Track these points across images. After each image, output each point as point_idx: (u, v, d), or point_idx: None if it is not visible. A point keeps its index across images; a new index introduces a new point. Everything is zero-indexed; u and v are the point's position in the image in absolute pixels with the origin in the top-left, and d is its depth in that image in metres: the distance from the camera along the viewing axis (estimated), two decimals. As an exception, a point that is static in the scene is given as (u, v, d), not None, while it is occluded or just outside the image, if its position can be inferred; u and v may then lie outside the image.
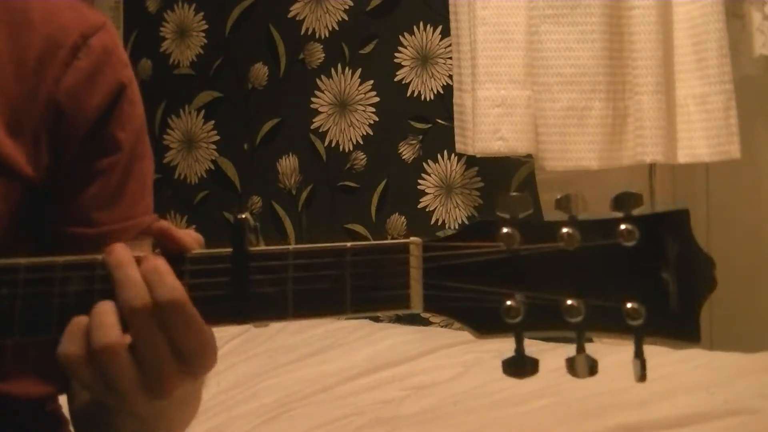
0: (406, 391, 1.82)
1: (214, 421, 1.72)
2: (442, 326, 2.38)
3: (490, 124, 2.08)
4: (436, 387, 1.81)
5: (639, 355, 0.62)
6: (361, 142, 2.58)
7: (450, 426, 1.61)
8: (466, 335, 2.14)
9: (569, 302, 0.63)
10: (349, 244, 0.68)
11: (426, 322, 2.40)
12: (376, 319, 2.45)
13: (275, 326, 2.24)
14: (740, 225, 2.27)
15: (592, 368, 0.63)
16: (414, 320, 2.38)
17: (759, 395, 1.55)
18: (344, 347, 2.09)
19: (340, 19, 2.60)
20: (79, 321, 0.68)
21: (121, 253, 0.69)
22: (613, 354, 1.65)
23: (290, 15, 2.68)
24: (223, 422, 1.72)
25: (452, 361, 1.94)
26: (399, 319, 2.46)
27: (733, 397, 1.55)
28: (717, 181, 2.28)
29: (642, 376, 0.62)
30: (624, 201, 0.63)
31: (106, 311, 0.68)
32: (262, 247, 0.69)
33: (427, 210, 2.46)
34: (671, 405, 1.54)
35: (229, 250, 0.69)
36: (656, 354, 1.86)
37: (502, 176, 2.32)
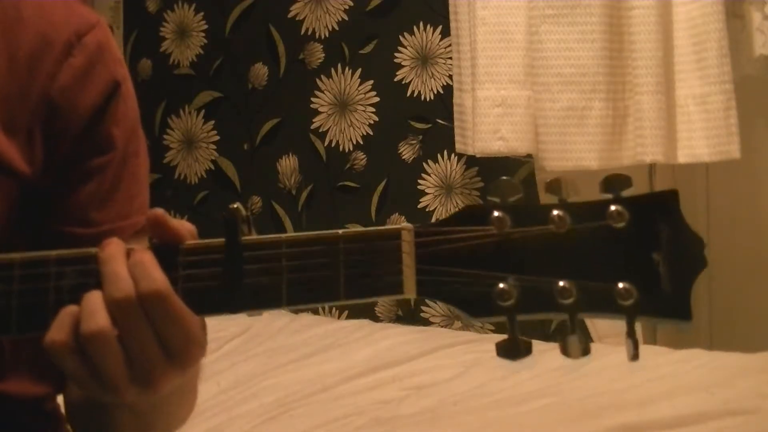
0: (406, 391, 1.81)
1: (214, 421, 1.72)
2: (442, 326, 2.38)
3: (490, 124, 2.08)
4: (436, 387, 1.81)
5: (631, 335, 0.62)
6: (361, 142, 2.58)
7: (450, 426, 1.60)
8: (466, 335, 2.14)
9: (561, 284, 0.63)
10: (341, 231, 0.67)
11: (426, 322, 2.41)
12: (376, 319, 2.45)
13: (275, 326, 2.24)
14: (740, 225, 2.27)
15: (585, 348, 0.63)
16: (414, 320, 2.38)
17: (759, 395, 1.55)
18: (344, 347, 2.08)
19: (340, 19, 2.60)
20: (69, 310, 0.68)
21: (112, 249, 0.69)
22: (612, 354, 1.66)
23: (290, 15, 2.68)
24: (223, 422, 1.72)
25: (452, 361, 1.94)
26: (399, 319, 2.46)
27: (733, 397, 1.54)
28: (717, 181, 2.28)
29: (634, 356, 0.61)
30: (613, 183, 0.64)
31: (94, 300, 0.68)
32: (255, 237, 0.69)
33: (427, 210, 2.46)
34: (671, 405, 1.54)
35: (222, 240, 0.69)
36: (656, 354, 1.86)
37: (502, 176, 2.32)
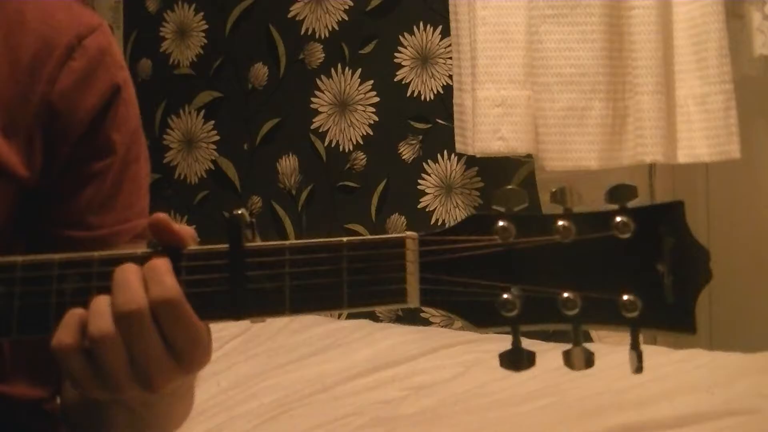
0: (406, 391, 1.81)
1: (214, 421, 1.72)
2: (442, 326, 2.38)
3: (490, 124, 2.08)
4: (436, 387, 1.81)
5: (635, 347, 0.62)
6: (361, 142, 2.58)
7: (450, 426, 1.60)
8: (466, 335, 2.14)
9: (565, 295, 0.63)
10: (345, 239, 0.68)
11: (426, 322, 2.40)
12: (377, 319, 2.45)
13: (275, 326, 2.24)
14: (740, 225, 2.27)
15: (589, 360, 0.63)
16: (414, 320, 2.38)
17: (759, 395, 1.55)
18: (344, 347, 2.08)
19: (340, 19, 2.60)
20: (75, 312, 0.69)
21: (128, 263, 0.69)
22: (613, 354, 1.65)
23: (290, 15, 2.68)
24: (223, 422, 1.72)
25: (452, 361, 1.94)
26: (399, 319, 2.46)
27: (733, 397, 1.54)
28: (717, 181, 2.28)
29: (638, 368, 0.61)
30: (619, 193, 0.64)
31: (102, 302, 0.68)
32: (259, 243, 0.69)
33: (427, 210, 2.46)
34: (671, 405, 1.54)
35: (226, 246, 0.69)
36: (656, 354, 1.86)
37: (502, 176, 2.32)
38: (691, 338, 2.03)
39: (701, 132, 1.91)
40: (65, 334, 0.68)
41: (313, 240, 0.68)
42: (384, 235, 0.68)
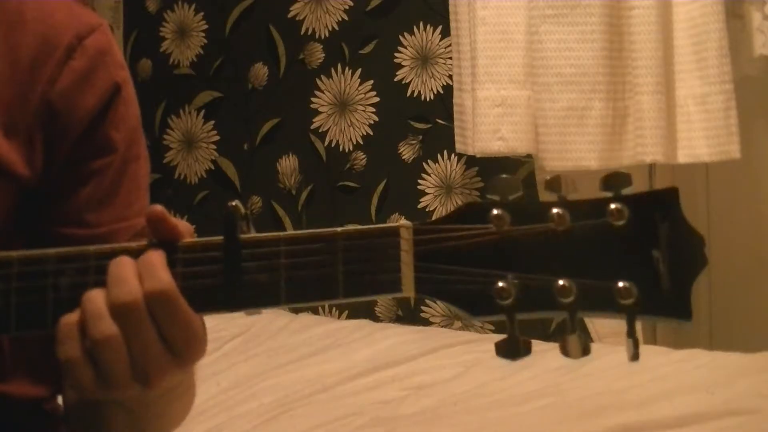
0: (406, 391, 1.81)
1: (214, 421, 1.72)
2: (442, 326, 2.38)
3: (490, 124, 2.08)
4: (436, 387, 1.81)
5: (631, 334, 0.61)
6: (361, 142, 2.58)
7: (450, 426, 1.60)
8: (466, 335, 2.14)
9: (560, 282, 0.62)
10: (339, 229, 0.67)
11: (426, 322, 2.40)
12: (377, 319, 2.45)
13: (275, 326, 2.24)
14: (740, 225, 2.27)
15: (585, 348, 0.62)
16: (414, 320, 2.38)
17: (759, 395, 1.55)
18: (344, 347, 2.08)
19: (340, 19, 2.60)
20: (70, 320, 0.69)
21: (123, 256, 0.69)
22: (612, 354, 1.65)
23: (290, 15, 2.68)
24: (223, 422, 1.72)
25: (452, 361, 1.94)
26: (399, 319, 2.46)
27: (733, 397, 1.54)
28: (717, 181, 2.28)
29: (635, 355, 0.61)
30: (613, 181, 0.63)
31: (98, 303, 0.68)
32: (254, 235, 0.69)
33: (427, 210, 2.46)
34: (671, 405, 1.54)
35: (221, 238, 0.68)
36: (656, 354, 1.86)
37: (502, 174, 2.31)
38: (691, 338, 2.03)
39: (701, 132, 1.91)
40: (69, 346, 0.68)
41: (307, 231, 0.68)
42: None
